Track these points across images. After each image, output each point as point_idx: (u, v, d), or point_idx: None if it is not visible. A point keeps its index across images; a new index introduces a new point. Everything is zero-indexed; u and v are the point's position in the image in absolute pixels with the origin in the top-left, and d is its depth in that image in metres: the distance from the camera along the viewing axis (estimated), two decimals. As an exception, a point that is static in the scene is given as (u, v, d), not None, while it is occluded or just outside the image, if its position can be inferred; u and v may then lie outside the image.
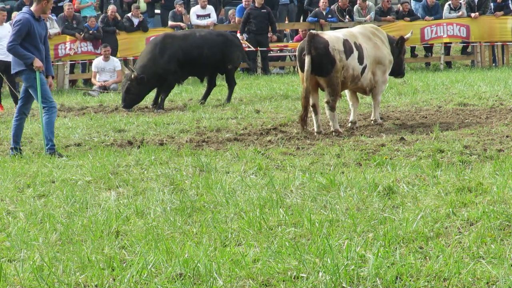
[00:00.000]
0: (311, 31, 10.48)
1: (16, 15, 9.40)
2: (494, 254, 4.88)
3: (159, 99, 14.21)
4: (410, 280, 4.56)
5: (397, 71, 11.47)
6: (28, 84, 9.31)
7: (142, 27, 20.25)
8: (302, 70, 10.12)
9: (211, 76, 14.99)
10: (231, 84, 14.85)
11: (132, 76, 13.83)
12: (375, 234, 5.38)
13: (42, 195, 7.24)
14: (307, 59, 9.95)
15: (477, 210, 5.82)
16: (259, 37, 20.40)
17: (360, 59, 10.44)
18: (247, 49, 20.09)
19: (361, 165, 8.03)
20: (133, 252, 5.31)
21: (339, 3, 21.48)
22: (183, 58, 14.15)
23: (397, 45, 11.12)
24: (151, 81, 13.98)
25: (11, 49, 9.21)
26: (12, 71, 9.42)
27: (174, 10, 20.78)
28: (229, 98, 14.67)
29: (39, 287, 4.72)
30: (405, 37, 11.31)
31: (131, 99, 13.99)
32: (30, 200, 6.99)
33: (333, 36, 10.33)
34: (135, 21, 20.23)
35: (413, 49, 21.75)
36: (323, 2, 21.13)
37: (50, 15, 19.35)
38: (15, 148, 9.47)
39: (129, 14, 20.48)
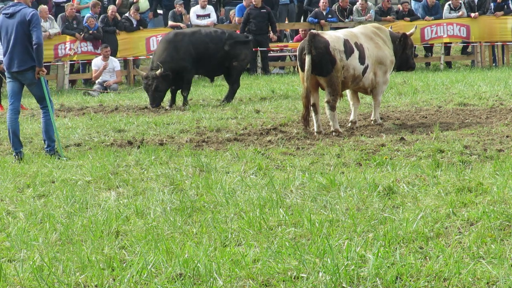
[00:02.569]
0: (312, 30, 10.48)
1: (26, 10, 9.21)
2: (494, 254, 4.88)
3: (174, 98, 14.39)
4: (410, 280, 4.56)
5: (405, 66, 11.48)
6: (35, 81, 9.26)
7: (142, 24, 20.29)
8: (303, 70, 10.12)
9: (226, 76, 15.10)
10: (234, 84, 14.85)
11: (158, 73, 13.86)
12: (375, 234, 5.38)
13: (42, 195, 7.24)
14: (307, 59, 9.95)
15: (477, 210, 5.82)
16: (259, 37, 20.39)
17: (361, 59, 10.44)
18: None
19: (361, 165, 8.03)
20: (133, 252, 5.31)
21: (340, 3, 21.48)
22: (195, 54, 14.31)
23: (400, 42, 11.11)
24: (170, 79, 14.16)
25: (41, 44, 9.14)
26: (19, 68, 9.18)
27: (174, 10, 20.78)
28: (228, 98, 14.66)
29: (39, 287, 4.72)
30: (408, 33, 11.30)
31: (160, 97, 14.08)
32: (30, 200, 6.99)
33: (333, 36, 10.33)
34: (134, 21, 20.24)
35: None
36: (323, 3, 21.13)
37: (49, 15, 19.37)
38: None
39: (127, 14, 20.49)
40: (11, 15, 9.21)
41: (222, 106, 14.05)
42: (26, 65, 9.19)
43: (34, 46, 9.08)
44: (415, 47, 21.31)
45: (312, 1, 22.05)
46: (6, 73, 9.50)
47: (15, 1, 9.38)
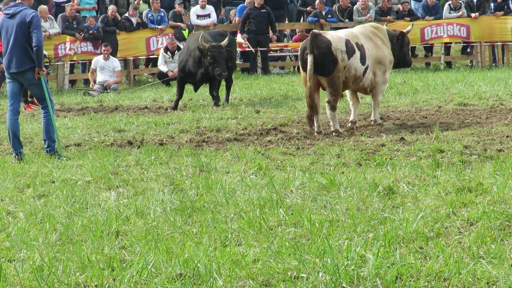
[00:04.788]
0: (314, 30, 10.48)
1: (27, 11, 9.21)
2: (494, 254, 4.88)
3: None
4: (410, 280, 4.56)
5: (402, 63, 11.50)
6: (35, 82, 9.26)
7: (142, 24, 20.29)
8: (304, 70, 10.12)
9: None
10: (229, 82, 14.86)
11: (223, 43, 13.74)
12: (375, 234, 5.38)
13: (42, 195, 7.24)
14: (309, 59, 9.95)
15: (477, 210, 5.82)
16: (259, 37, 20.39)
17: (362, 60, 10.45)
18: (247, 49, 20.13)
19: (361, 165, 8.03)
20: (133, 252, 5.31)
21: (340, 3, 21.49)
22: None
23: (397, 40, 11.12)
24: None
25: (41, 46, 9.14)
26: (18, 69, 9.18)
27: (174, 10, 20.80)
28: (228, 97, 14.66)
29: (39, 287, 4.72)
30: (405, 30, 11.32)
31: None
32: (30, 200, 6.99)
33: (335, 36, 10.34)
34: (134, 21, 20.25)
35: (413, 49, 21.74)
36: (318, 5, 21.15)
37: (49, 15, 19.38)
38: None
39: (127, 14, 20.51)
40: (11, 16, 9.21)
41: (222, 106, 14.04)
42: (25, 66, 9.18)
43: (34, 48, 9.07)
44: (414, 47, 21.44)
45: (306, 2, 22.08)
46: (6, 74, 9.51)
47: (18, 1, 9.38)
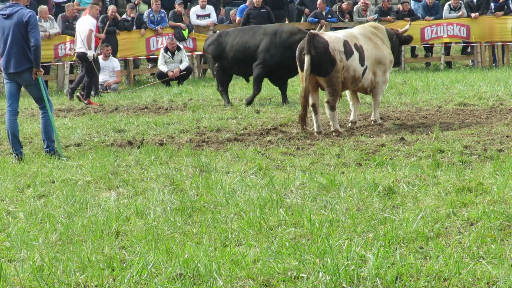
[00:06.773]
0: (311, 30, 10.47)
1: (24, 11, 9.21)
2: (494, 254, 4.88)
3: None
4: (410, 280, 4.56)
5: (396, 61, 11.48)
6: (33, 83, 9.25)
7: (140, 24, 20.28)
8: (302, 70, 10.12)
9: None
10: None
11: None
12: (375, 234, 5.38)
13: (42, 195, 7.24)
14: (306, 59, 9.95)
15: (477, 210, 5.82)
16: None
17: (361, 60, 10.44)
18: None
19: (361, 165, 8.03)
20: (133, 252, 5.31)
21: (342, 6, 21.48)
22: None
23: (396, 39, 11.11)
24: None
25: (39, 46, 9.13)
26: (16, 70, 9.16)
27: (174, 10, 20.80)
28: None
29: (39, 287, 4.72)
30: (402, 30, 11.30)
31: None
32: (30, 200, 6.99)
33: (333, 37, 10.32)
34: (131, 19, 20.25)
35: (413, 49, 21.77)
36: (320, 5, 21.15)
37: (49, 15, 19.38)
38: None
39: (125, 15, 20.51)
40: (8, 16, 9.20)
41: (223, 106, 14.01)
42: (23, 66, 9.17)
43: (33, 48, 9.06)
44: (414, 47, 21.43)
45: (304, 3, 22.08)
46: (3, 74, 9.50)
47: (12, 1, 9.37)
